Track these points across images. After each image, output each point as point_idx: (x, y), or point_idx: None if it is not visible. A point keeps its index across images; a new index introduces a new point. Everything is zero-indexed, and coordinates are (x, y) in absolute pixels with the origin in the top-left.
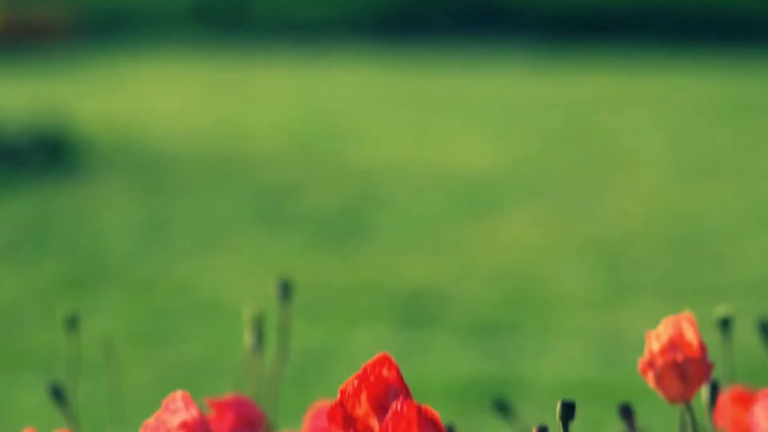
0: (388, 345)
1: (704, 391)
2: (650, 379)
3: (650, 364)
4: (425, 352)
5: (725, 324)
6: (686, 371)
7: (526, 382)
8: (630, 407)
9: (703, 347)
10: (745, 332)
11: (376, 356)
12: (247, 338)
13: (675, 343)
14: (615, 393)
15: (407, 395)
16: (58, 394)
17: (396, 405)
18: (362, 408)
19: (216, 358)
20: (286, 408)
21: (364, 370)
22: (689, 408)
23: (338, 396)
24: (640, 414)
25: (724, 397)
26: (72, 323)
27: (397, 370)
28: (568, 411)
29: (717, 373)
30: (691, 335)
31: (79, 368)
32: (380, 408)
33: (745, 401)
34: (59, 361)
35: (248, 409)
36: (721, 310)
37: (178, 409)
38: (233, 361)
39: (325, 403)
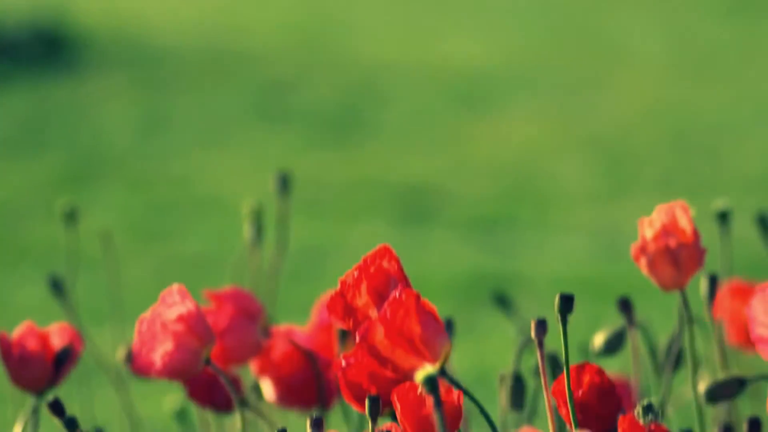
0: (387, 240)
1: (703, 284)
2: (643, 265)
3: (642, 250)
4: (424, 248)
5: (724, 217)
6: (678, 257)
7: (525, 277)
8: (629, 301)
9: (696, 233)
10: (743, 227)
11: (376, 248)
12: (246, 232)
13: (668, 229)
14: (614, 288)
15: (407, 286)
16: (57, 287)
17: (395, 292)
18: (362, 299)
19: (215, 252)
20: (284, 302)
21: (365, 261)
22: (684, 296)
23: (338, 287)
24: (639, 308)
25: (722, 290)
26: (71, 217)
27: (398, 262)
28: (567, 303)
29: (715, 266)
30: (684, 222)
31: (78, 262)
32: (380, 299)
33: (744, 294)
34: (59, 256)
35: (247, 302)
36: (720, 203)
37: (174, 302)
38: (232, 256)
39: None
